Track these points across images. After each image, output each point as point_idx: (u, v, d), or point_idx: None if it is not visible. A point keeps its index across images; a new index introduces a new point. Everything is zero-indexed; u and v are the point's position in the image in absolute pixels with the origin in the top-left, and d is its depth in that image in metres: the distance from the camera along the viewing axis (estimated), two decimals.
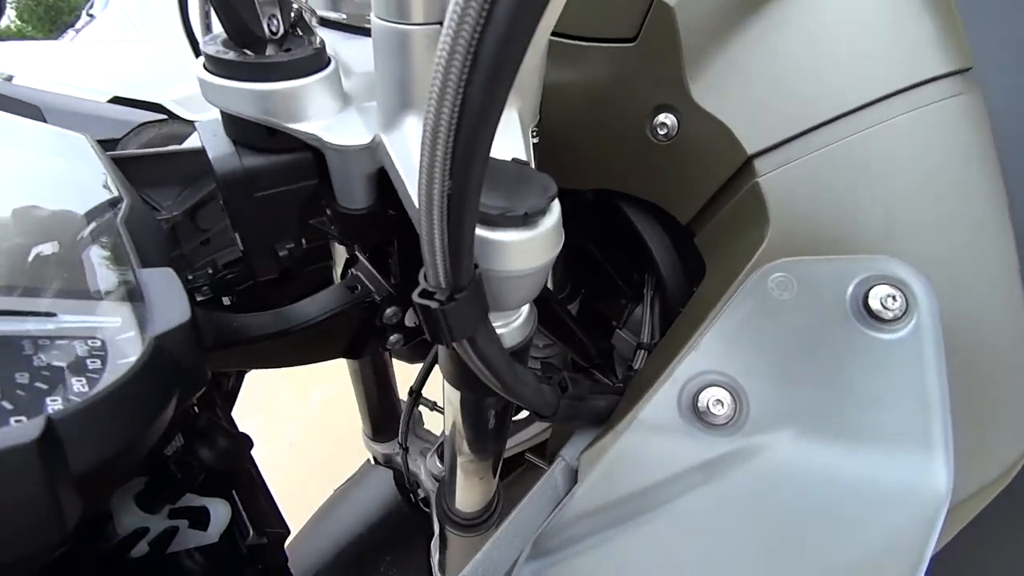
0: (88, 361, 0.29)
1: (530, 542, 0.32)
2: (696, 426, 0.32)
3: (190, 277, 0.56)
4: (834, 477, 0.30)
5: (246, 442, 0.55)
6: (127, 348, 0.30)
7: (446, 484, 0.55)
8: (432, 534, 0.71)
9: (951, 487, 0.29)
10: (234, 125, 0.40)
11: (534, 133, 0.50)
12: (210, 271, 0.58)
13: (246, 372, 0.76)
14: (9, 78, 2.64)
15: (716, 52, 0.36)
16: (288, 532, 0.58)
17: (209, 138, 0.41)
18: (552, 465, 0.37)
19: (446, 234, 0.24)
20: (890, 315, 0.31)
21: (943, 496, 0.29)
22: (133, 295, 0.33)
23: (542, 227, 0.30)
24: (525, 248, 0.30)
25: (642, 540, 0.30)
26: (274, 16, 0.38)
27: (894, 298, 0.31)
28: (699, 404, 0.32)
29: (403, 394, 0.89)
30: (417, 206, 0.24)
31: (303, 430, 2.18)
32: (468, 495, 0.54)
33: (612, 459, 0.32)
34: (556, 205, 0.30)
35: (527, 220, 0.29)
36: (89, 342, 0.30)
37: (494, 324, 0.36)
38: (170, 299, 0.33)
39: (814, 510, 0.29)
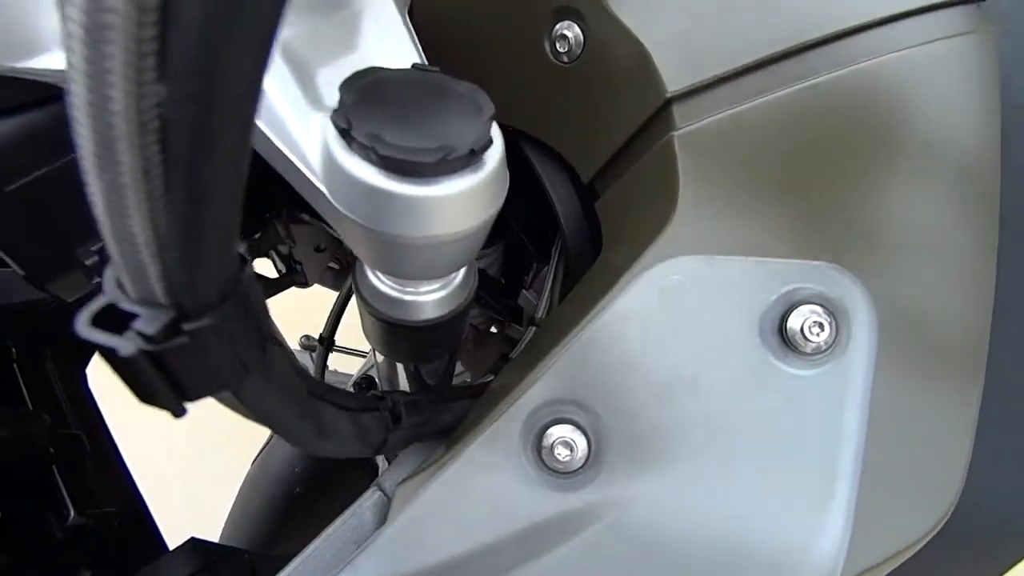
0: None
1: None
2: (536, 471, 0.25)
3: None
4: (701, 544, 0.24)
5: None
6: None
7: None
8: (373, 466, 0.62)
9: (842, 568, 0.24)
10: None
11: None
12: None
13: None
14: None
15: None
16: (116, 513, 0.49)
17: None
18: (365, 494, 0.28)
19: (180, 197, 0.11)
20: (810, 347, 0.24)
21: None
22: None
23: (488, 166, 0.21)
24: (468, 200, 0.20)
25: None
26: None
27: (821, 327, 0.24)
28: (544, 443, 0.25)
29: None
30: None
31: None
32: None
33: (427, 501, 0.24)
34: (497, 130, 0.22)
35: (472, 161, 0.20)
36: None
37: (410, 292, 0.26)
38: None
39: None
